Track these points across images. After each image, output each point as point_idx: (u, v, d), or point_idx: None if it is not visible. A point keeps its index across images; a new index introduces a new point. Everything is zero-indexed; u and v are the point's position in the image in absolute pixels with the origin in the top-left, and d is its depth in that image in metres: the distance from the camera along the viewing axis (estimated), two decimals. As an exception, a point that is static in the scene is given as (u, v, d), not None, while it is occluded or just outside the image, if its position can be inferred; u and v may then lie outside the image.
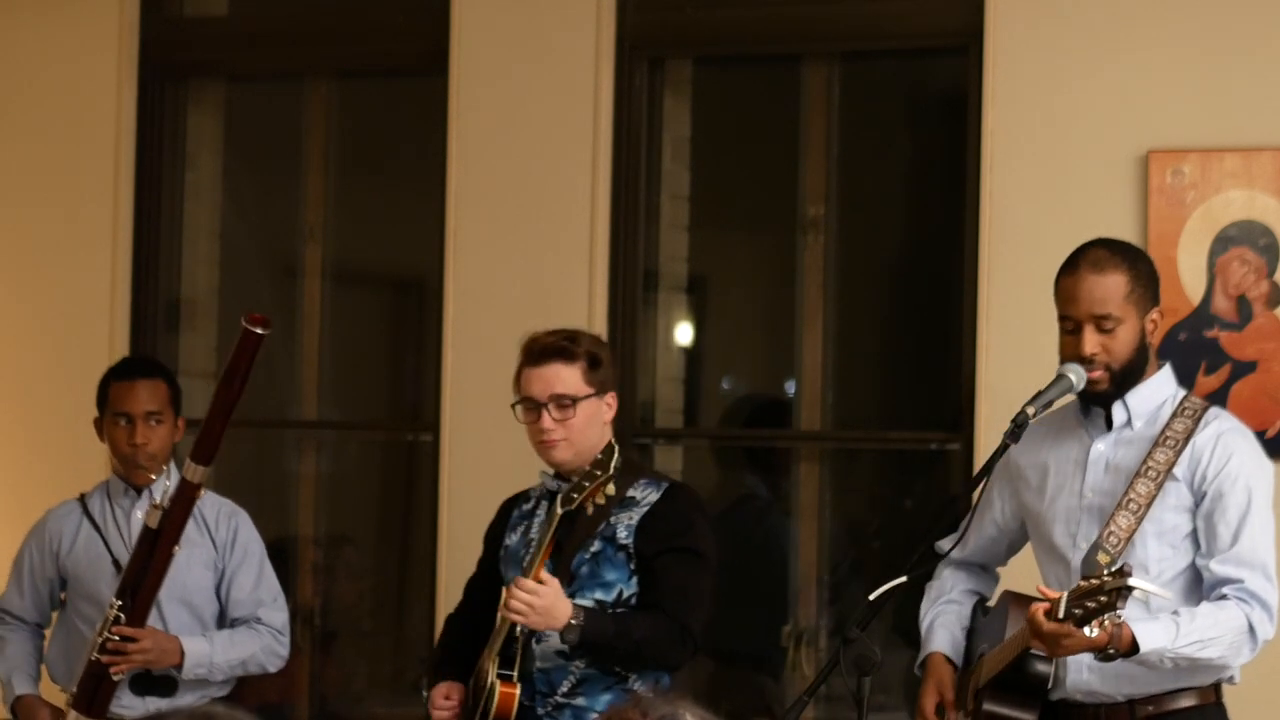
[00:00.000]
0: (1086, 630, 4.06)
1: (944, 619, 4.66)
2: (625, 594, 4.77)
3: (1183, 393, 4.49)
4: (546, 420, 4.77)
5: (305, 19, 6.55)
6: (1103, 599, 4.00)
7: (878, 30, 5.98)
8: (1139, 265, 4.44)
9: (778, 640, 6.12)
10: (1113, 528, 4.32)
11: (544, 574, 4.63)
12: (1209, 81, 5.48)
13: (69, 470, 6.45)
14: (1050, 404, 4.40)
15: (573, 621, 4.62)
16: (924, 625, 4.67)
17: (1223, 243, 5.46)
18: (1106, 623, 4.07)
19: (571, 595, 4.71)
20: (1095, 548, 4.30)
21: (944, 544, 4.72)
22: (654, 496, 4.82)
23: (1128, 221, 5.48)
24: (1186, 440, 4.37)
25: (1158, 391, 4.45)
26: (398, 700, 6.59)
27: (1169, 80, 5.52)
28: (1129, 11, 5.56)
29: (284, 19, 6.58)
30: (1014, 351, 5.55)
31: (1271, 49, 5.46)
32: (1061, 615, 4.07)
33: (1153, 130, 5.52)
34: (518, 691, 4.72)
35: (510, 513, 5.00)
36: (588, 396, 4.78)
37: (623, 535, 4.77)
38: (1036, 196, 5.61)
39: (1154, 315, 4.44)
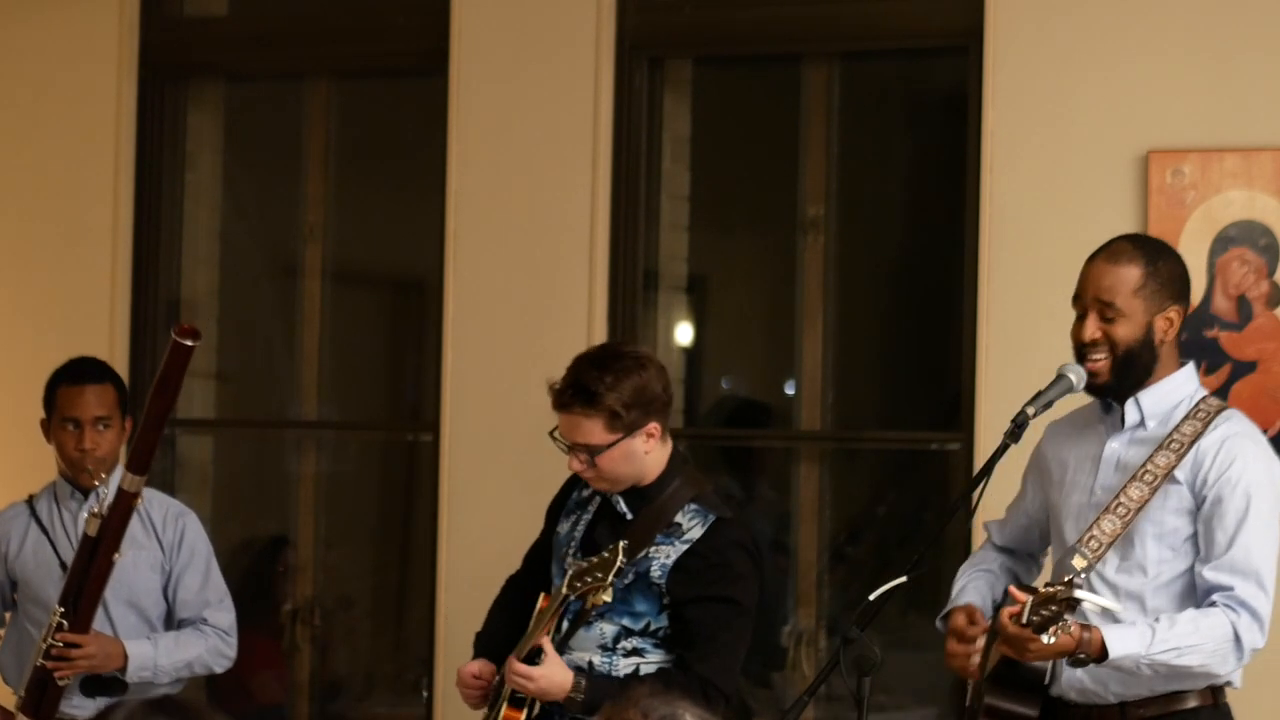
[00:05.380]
0: (1044, 637, 4.03)
1: (976, 584, 4.58)
2: (653, 627, 4.62)
3: (1202, 393, 4.42)
4: (574, 463, 4.63)
5: (305, 19, 6.55)
6: (1054, 608, 3.98)
7: (878, 30, 5.98)
8: (1159, 262, 4.37)
9: (778, 640, 6.12)
10: (1095, 531, 4.27)
11: (545, 642, 4.54)
12: (1209, 81, 5.48)
13: (69, 470, 6.45)
14: (1050, 404, 4.36)
15: (574, 696, 4.53)
16: (955, 589, 4.60)
17: (1223, 243, 5.46)
18: (1073, 628, 4.05)
19: (599, 617, 4.61)
20: (1071, 551, 4.27)
21: (989, 523, 4.71)
22: (697, 531, 4.61)
23: (1128, 221, 5.47)
24: (1192, 443, 4.31)
25: (1174, 392, 4.39)
26: (398, 700, 6.58)
27: (1169, 80, 5.51)
28: (1129, 12, 5.56)
29: (284, 19, 6.59)
30: (1014, 351, 5.55)
31: (1271, 49, 5.45)
32: (1025, 620, 4.04)
33: (1153, 130, 5.51)
34: (522, 718, 4.63)
35: (570, 493, 4.85)
36: (613, 444, 4.58)
37: (656, 574, 4.58)
38: (1036, 196, 5.61)
39: (1170, 314, 4.35)
